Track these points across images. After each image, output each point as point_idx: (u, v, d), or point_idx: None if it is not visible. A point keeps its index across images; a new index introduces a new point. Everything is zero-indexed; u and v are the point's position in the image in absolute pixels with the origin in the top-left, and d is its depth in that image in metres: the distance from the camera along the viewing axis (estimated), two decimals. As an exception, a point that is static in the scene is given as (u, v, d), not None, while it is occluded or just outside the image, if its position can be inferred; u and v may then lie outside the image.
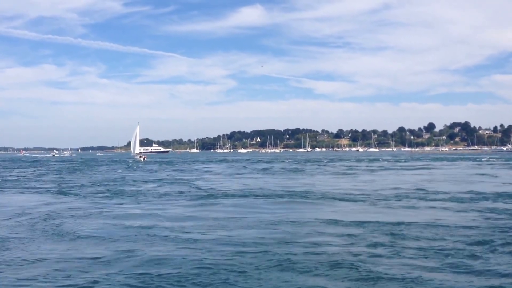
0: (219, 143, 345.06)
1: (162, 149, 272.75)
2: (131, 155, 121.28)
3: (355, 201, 25.62)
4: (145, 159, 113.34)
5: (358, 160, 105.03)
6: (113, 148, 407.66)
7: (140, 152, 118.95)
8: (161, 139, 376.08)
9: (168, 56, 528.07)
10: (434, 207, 22.64)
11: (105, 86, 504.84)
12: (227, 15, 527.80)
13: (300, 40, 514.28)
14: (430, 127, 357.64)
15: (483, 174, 49.26)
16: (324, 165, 79.16)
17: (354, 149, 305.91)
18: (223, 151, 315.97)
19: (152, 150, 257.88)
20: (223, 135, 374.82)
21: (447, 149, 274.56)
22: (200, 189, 34.38)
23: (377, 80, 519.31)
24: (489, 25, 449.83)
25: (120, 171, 65.40)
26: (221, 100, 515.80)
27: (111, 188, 36.07)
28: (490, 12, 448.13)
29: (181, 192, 31.62)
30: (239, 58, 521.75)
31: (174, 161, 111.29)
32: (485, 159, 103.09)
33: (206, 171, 63.09)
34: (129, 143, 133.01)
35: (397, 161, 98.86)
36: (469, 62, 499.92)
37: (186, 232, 16.34)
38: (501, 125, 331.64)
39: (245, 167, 75.68)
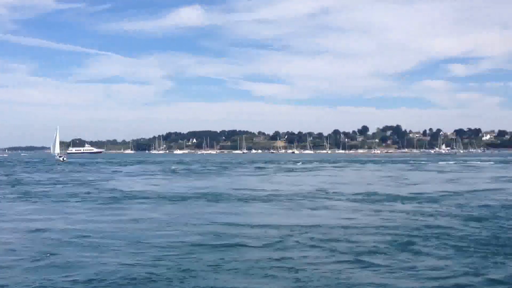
0: (155, 144, 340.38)
1: (95, 150, 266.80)
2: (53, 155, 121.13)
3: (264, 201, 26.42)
4: (65, 159, 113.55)
5: (271, 161, 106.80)
6: (43, 148, 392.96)
7: (60, 153, 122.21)
8: (95, 139, 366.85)
9: (103, 55, 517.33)
10: (328, 208, 23.83)
11: (36, 84, 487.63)
12: (165, 15, 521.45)
13: (239, 42, 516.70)
14: (364, 130, 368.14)
15: (390, 176, 51.60)
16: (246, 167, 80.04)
17: (290, 151, 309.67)
18: (158, 152, 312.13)
19: (85, 151, 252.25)
20: (159, 136, 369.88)
21: (379, 151, 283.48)
22: (102, 190, 34.15)
23: (314, 83, 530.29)
24: (422, 33, 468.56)
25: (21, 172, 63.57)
26: (158, 101, 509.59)
27: None
28: (424, 20, 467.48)
29: (75, 194, 31.34)
30: (177, 58, 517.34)
31: (99, 162, 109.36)
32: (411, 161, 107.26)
33: (125, 172, 62.36)
34: (60, 143, 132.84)
35: (322, 161, 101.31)
36: (403, 67, 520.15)
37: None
38: (430, 129, 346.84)
39: (168, 168, 75.21)
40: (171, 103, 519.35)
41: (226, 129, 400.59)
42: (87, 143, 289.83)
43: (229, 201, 26.73)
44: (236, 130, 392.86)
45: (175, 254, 13.18)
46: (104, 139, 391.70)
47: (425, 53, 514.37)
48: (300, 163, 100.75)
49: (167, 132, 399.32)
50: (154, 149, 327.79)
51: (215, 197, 28.56)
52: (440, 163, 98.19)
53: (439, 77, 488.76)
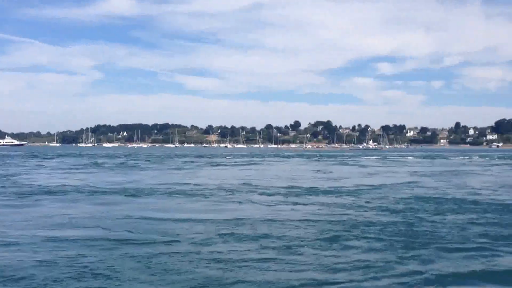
0: (82, 137, 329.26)
1: (17, 142, 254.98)
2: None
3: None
4: None
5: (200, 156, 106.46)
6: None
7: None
8: (18, 131, 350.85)
9: (27, 43, 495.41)
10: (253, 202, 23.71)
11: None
12: (95, 2, 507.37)
13: (172, 34, 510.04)
14: (296, 125, 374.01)
15: (317, 171, 52.43)
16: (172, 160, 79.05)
17: (222, 145, 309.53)
18: (86, 145, 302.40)
19: (5, 143, 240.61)
20: (87, 128, 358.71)
21: (310, 146, 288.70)
22: (17, 184, 32.55)
23: (248, 78, 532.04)
24: (353, 32, 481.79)
25: None
26: (86, 92, 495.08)
27: None
28: (355, 19, 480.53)
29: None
30: (107, 48, 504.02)
31: (20, 155, 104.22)
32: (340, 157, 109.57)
33: (45, 166, 59.77)
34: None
35: (252, 157, 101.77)
36: (334, 65, 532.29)
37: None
38: (359, 125, 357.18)
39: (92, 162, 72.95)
40: (100, 94, 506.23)
41: (158, 123, 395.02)
42: (7, 135, 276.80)
43: (150, 196, 26.05)
44: (168, 124, 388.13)
45: (88, 251, 12.61)
46: (26, 131, 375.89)
47: (355, 51, 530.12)
48: (231, 157, 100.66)
49: (96, 124, 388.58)
50: (82, 142, 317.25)
51: (136, 192, 27.74)
52: (364, 157, 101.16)
53: (368, 75, 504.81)
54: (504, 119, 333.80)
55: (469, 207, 21.00)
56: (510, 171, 52.71)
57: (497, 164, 70.06)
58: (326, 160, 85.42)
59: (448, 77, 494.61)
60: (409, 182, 34.94)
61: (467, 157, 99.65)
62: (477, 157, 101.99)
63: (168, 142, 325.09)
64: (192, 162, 75.70)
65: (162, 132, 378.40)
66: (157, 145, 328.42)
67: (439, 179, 38.79)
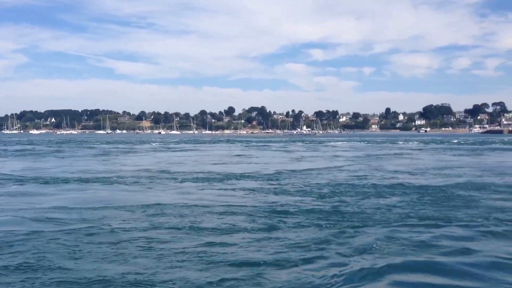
0: (7, 124, 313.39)
1: None
2: None
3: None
4: None
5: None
6: None
7: None
8: None
9: None
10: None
11: None
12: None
13: (100, 18, 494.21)
14: (230, 111, 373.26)
15: (240, 155, 51.39)
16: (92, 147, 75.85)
17: (156, 131, 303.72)
18: (11, 132, 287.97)
19: None
20: (12, 114, 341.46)
21: (245, 132, 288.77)
22: None
23: (180, 63, 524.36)
24: (286, 18, 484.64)
25: None
26: (9, 77, 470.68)
27: None
28: (287, 6, 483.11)
29: None
30: (31, 31, 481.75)
31: None
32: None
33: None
34: None
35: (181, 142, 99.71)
36: (267, 50, 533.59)
37: None
38: (293, 111, 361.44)
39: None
40: (25, 79, 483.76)
41: (88, 108, 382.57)
42: None
43: (63, 184, 24.18)
44: (99, 110, 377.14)
45: None
46: None
47: (288, 38, 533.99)
48: (156, 143, 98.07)
49: (22, 110, 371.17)
50: (7, 128, 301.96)
51: (45, 180, 25.47)
52: (300, 143, 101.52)
53: (301, 61, 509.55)
54: (431, 105, 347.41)
55: (394, 190, 20.90)
56: (433, 155, 53.59)
57: (420, 149, 71.59)
58: (259, 146, 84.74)
59: (378, 64, 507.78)
60: (337, 167, 34.57)
61: (401, 142, 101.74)
62: (402, 142, 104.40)
63: (99, 129, 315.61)
64: (113, 148, 72.76)
65: (93, 118, 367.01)
66: (87, 131, 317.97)
67: (365, 163, 38.85)
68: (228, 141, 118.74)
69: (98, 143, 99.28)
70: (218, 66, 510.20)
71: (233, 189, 21.85)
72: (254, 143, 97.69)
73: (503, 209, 16.11)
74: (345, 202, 17.69)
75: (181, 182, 25.09)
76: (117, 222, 14.04)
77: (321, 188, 22.02)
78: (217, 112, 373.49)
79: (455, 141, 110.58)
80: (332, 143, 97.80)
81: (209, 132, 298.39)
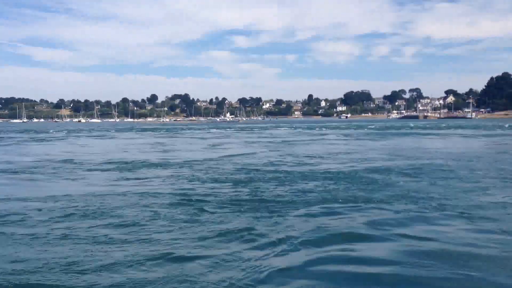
0: None
1: None
2: None
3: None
4: None
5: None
6: None
7: None
8: None
9: None
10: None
11: None
12: None
13: (16, 2, 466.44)
14: (153, 98, 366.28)
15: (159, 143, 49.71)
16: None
17: (75, 119, 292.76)
18: None
19: None
20: None
21: (168, 119, 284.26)
22: None
23: (101, 50, 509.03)
24: (208, 4, 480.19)
25: None
26: None
27: None
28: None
29: None
30: None
31: None
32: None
33: None
34: None
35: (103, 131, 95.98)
36: (190, 37, 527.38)
37: None
38: (216, 98, 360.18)
39: None
40: None
41: (3, 97, 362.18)
42: None
43: None
44: (14, 98, 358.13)
45: None
46: None
47: (211, 24, 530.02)
48: (64, 132, 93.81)
49: None
50: None
51: None
52: (220, 130, 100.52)
53: (224, 48, 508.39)
54: (352, 92, 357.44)
55: (310, 175, 20.61)
56: (351, 141, 54.35)
57: (338, 135, 72.80)
58: (177, 133, 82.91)
59: (301, 51, 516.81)
60: (251, 153, 33.92)
61: (320, 129, 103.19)
62: (321, 128, 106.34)
63: (14, 118, 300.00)
64: (14, 137, 68.51)
65: (8, 107, 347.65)
66: (1, 120, 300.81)
67: (279, 149, 38.42)
68: (146, 129, 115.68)
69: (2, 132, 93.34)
70: (140, 53, 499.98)
71: (147, 178, 20.65)
72: (173, 131, 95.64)
73: (416, 190, 16.29)
74: (262, 188, 17.29)
75: (90, 170, 23.58)
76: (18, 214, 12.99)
77: (237, 174, 21.31)
78: (139, 100, 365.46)
79: (372, 126, 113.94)
80: (255, 130, 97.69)
81: (131, 120, 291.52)
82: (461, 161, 25.99)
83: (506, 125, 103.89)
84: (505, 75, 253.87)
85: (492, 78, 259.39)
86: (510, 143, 43.85)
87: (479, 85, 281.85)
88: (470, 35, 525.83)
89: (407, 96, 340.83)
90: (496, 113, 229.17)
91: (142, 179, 20.45)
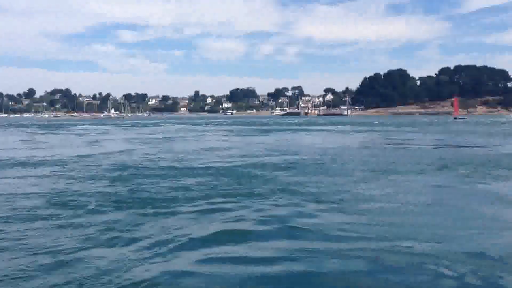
0: None
1: None
2: None
3: None
4: None
5: None
6: None
7: None
8: None
9: None
10: None
11: None
12: None
13: None
14: (30, 93, 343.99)
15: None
16: None
17: None
18: None
19: None
20: None
21: (47, 115, 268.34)
22: None
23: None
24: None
25: None
26: None
27: None
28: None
29: None
30: None
31: None
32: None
33: None
34: None
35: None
36: (73, 30, 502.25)
37: None
38: (100, 93, 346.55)
39: None
40: None
41: None
42: None
43: None
44: None
45: None
46: None
47: (95, 18, 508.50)
48: None
49: None
50: None
51: None
52: (106, 126, 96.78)
53: (109, 42, 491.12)
54: (237, 89, 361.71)
55: (189, 171, 20.60)
56: (232, 137, 54.93)
57: (221, 131, 73.27)
58: (52, 130, 78.53)
59: (189, 48, 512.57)
60: (128, 150, 33.02)
61: (208, 125, 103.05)
62: (205, 125, 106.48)
63: None
64: None
65: None
66: None
67: (161, 145, 37.93)
68: (20, 125, 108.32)
69: None
70: (17, 44, 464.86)
71: (16, 178, 19.28)
72: (51, 128, 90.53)
73: (295, 184, 16.77)
74: (142, 185, 16.95)
75: None
76: None
77: (116, 172, 20.66)
78: (15, 94, 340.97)
79: (256, 122, 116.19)
80: (138, 126, 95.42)
81: (5, 115, 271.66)
82: (335, 156, 27.43)
83: (376, 122, 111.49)
84: (376, 76, 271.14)
85: (365, 78, 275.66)
86: (376, 139, 47.02)
87: (355, 84, 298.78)
88: (347, 37, 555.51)
89: (290, 93, 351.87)
90: (368, 110, 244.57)
91: (12, 178, 19.07)
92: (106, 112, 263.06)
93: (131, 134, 59.88)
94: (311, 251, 9.26)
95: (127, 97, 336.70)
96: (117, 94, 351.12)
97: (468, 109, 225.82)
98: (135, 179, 18.37)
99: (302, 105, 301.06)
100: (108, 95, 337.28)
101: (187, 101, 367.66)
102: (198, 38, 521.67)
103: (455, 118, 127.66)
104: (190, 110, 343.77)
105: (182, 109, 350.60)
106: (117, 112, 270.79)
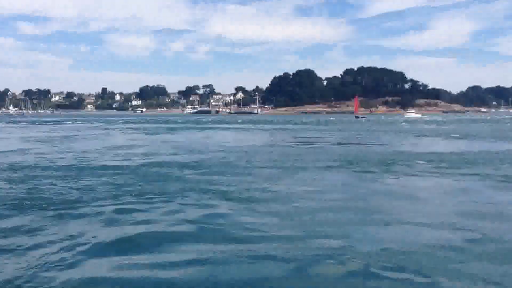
0: None
1: None
2: None
3: None
4: None
5: None
6: None
7: None
8: None
9: None
10: None
11: None
12: None
13: None
14: None
15: None
16: None
17: None
18: None
19: None
20: None
21: None
22: None
23: None
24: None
25: None
26: None
27: None
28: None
29: None
30: None
31: None
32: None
33: None
34: None
35: None
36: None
37: None
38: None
39: None
40: None
41: None
42: None
43: None
44: None
45: None
46: None
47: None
48: None
49: None
50: None
51: None
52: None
53: (8, 34, 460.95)
54: (147, 86, 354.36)
55: (91, 171, 19.68)
56: (133, 134, 53.70)
57: (126, 129, 71.50)
58: None
59: (96, 43, 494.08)
60: (28, 149, 31.32)
61: (116, 123, 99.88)
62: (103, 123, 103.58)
63: None
64: None
65: None
66: None
67: (61, 144, 36.27)
68: None
69: None
70: None
71: None
72: None
73: (205, 182, 16.58)
74: (40, 187, 15.84)
75: None
76: None
77: (9, 172, 19.32)
78: None
79: (166, 120, 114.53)
80: (36, 124, 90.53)
81: None
82: (244, 154, 27.41)
83: (285, 120, 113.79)
84: (286, 75, 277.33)
85: (275, 77, 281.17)
86: (285, 137, 47.81)
87: (265, 83, 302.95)
88: (257, 36, 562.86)
89: (201, 91, 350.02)
90: (278, 109, 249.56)
91: None
92: (3, 109, 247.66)
93: (29, 133, 56.49)
94: (222, 252, 8.99)
95: (28, 93, 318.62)
96: (16, 89, 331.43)
97: (371, 109, 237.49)
98: (32, 180, 17.17)
99: (213, 103, 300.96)
100: (6, 90, 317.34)
101: (94, 98, 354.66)
102: (106, 33, 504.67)
103: (356, 117, 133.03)
104: (98, 108, 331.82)
105: (89, 106, 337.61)
106: (16, 108, 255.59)
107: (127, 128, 71.93)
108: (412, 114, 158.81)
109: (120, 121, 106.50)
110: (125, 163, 22.77)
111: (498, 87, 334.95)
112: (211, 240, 9.81)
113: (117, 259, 8.70)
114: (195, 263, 8.44)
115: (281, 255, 8.77)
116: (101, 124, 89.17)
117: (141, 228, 10.60)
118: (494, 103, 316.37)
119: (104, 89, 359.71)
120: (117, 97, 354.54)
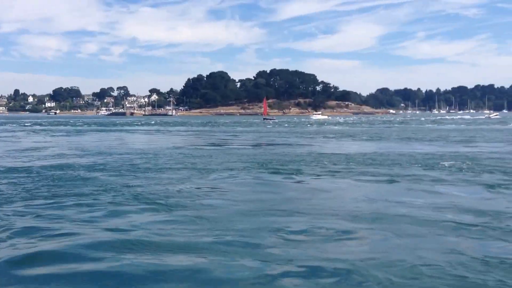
0: None
1: None
2: None
3: None
4: None
5: None
6: None
7: None
8: None
9: None
10: None
11: None
12: None
13: None
14: None
15: None
16: None
17: None
18: None
19: None
20: None
21: None
22: None
23: None
24: None
25: None
26: None
27: None
28: None
29: None
30: None
31: None
32: None
33: None
34: None
35: None
36: None
37: None
38: None
39: None
40: None
41: None
42: None
43: None
44: None
45: None
46: None
47: None
48: None
49: None
50: None
51: None
52: None
53: None
54: (61, 88, 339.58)
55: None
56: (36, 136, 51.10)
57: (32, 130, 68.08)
58: None
59: (6, 44, 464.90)
60: None
61: (24, 125, 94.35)
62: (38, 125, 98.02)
63: None
64: None
65: None
66: None
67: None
68: None
69: None
70: None
71: None
72: None
73: (115, 185, 15.43)
74: None
75: None
76: None
77: None
78: None
79: (79, 122, 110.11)
80: None
81: None
82: (156, 156, 26.50)
83: (199, 122, 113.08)
84: (199, 77, 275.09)
85: (189, 79, 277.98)
86: (198, 139, 47.41)
87: (179, 85, 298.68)
88: (170, 39, 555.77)
89: (115, 93, 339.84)
90: (193, 111, 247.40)
91: None
92: None
93: None
94: (134, 259, 8.17)
95: None
96: None
97: (284, 110, 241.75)
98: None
99: (127, 105, 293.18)
100: None
101: (6, 100, 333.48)
102: (17, 34, 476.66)
103: (264, 119, 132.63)
104: (10, 110, 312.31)
105: (0, 108, 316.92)
106: None
107: (37, 130, 68.05)
108: (318, 115, 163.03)
109: (29, 123, 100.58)
110: (29, 164, 21.62)
111: (406, 89, 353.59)
112: (122, 245, 9.03)
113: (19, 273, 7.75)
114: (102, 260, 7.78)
115: (188, 261, 8.14)
116: (8, 126, 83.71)
117: (54, 230, 9.87)
118: (402, 105, 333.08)
119: (16, 91, 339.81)
120: (30, 99, 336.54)
